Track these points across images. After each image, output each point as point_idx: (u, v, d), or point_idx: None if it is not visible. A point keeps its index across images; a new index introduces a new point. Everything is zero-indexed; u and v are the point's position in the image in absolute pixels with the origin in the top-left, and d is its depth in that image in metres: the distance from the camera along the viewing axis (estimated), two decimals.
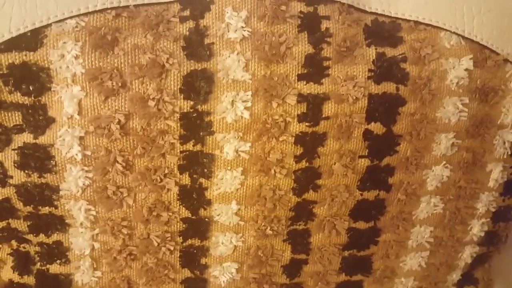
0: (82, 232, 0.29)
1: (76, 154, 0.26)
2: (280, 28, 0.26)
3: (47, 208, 0.28)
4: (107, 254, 0.30)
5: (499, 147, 0.31)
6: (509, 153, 0.32)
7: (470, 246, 0.35)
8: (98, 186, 0.27)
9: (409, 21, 0.28)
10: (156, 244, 0.29)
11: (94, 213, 0.28)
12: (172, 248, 0.30)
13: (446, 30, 0.28)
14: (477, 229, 0.34)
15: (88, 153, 0.27)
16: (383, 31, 0.28)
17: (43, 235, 0.29)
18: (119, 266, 0.30)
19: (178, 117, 0.26)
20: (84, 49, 0.25)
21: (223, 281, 0.31)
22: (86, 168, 0.27)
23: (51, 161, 0.27)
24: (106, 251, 0.30)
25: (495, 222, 0.35)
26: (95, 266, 0.30)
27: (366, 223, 0.31)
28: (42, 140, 0.26)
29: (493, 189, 0.33)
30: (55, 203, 0.28)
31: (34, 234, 0.29)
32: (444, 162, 0.30)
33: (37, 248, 0.30)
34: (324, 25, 0.27)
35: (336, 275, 0.33)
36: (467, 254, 0.36)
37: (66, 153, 0.26)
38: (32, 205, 0.28)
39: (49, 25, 0.25)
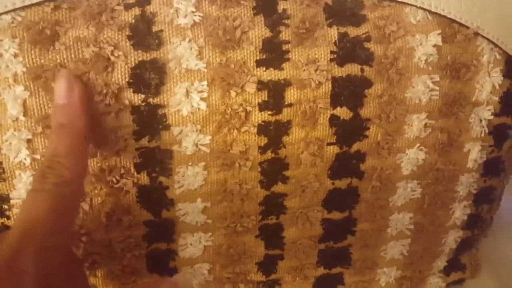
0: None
1: (25, 159, 0.25)
2: (234, 11, 0.25)
3: None
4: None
5: (476, 126, 0.30)
6: (487, 131, 0.30)
7: (454, 230, 0.34)
8: None
9: None
10: (119, 250, 0.27)
11: None
12: (137, 254, 0.28)
13: (411, 5, 0.27)
14: (459, 212, 0.33)
15: (37, 156, 0.25)
16: (344, 9, 0.26)
17: None
18: None
19: (129, 111, 0.24)
20: (22, 46, 0.23)
21: (195, 284, 0.30)
22: None
23: None
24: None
25: (478, 205, 0.34)
26: None
27: (341, 213, 0.30)
28: None
29: (473, 170, 0.31)
30: (7, 213, 0.26)
31: None
32: (418, 144, 0.29)
33: None
34: (281, 6, 0.25)
35: (314, 269, 0.32)
36: (451, 239, 0.34)
37: (14, 158, 0.25)
38: None
39: None
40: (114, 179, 0.25)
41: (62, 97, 0.23)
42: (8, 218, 0.26)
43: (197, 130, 0.25)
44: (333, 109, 0.26)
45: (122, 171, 0.25)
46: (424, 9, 0.27)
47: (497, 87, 0.29)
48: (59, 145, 0.22)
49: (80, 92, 0.23)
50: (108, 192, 0.26)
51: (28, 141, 0.25)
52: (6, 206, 0.26)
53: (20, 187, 0.25)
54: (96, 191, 0.26)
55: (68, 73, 0.23)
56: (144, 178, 0.26)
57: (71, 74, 0.23)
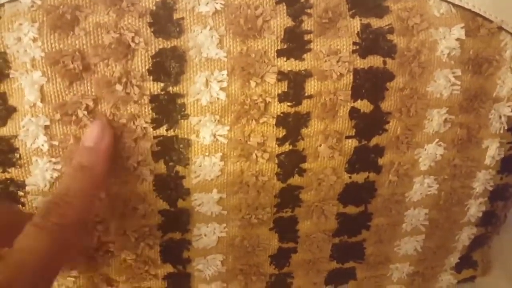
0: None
1: (42, 145, 0.24)
2: None
3: None
4: (83, 252, 0.28)
5: (495, 122, 0.29)
6: (506, 127, 0.30)
7: (468, 227, 0.34)
8: None
9: None
10: (133, 239, 0.27)
11: None
12: (151, 243, 0.28)
13: None
14: (474, 209, 0.32)
15: (55, 143, 0.25)
16: (367, 0, 0.26)
17: None
18: (96, 265, 0.28)
19: (148, 100, 0.24)
20: (42, 30, 0.23)
21: (208, 275, 0.30)
22: (53, 160, 0.25)
23: (15, 154, 0.25)
24: (82, 250, 0.28)
25: (493, 202, 0.33)
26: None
27: (357, 207, 0.29)
28: (4, 131, 0.24)
29: (490, 166, 0.31)
30: (22, 200, 0.26)
31: None
32: (437, 139, 0.28)
33: None
34: None
35: (327, 263, 0.31)
36: (464, 236, 0.34)
37: (31, 144, 0.25)
38: None
39: (2, 5, 0.23)
40: (131, 167, 0.25)
41: (91, 141, 0.24)
42: (23, 205, 0.26)
43: (215, 120, 0.25)
44: (353, 102, 0.26)
45: (140, 158, 0.25)
46: (448, 2, 0.26)
47: None
48: (74, 184, 0.23)
49: (109, 141, 0.24)
50: (125, 180, 0.25)
51: (46, 127, 0.24)
52: (21, 193, 0.26)
53: (37, 173, 0.25)
54: (113, 179, 0.25)
55: (103, 120, 0.24)
56: (161, 167, 0.26)
57: (106, 121, 0.24)
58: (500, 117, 0.29)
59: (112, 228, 0.27)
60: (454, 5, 0.27)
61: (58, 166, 0.25)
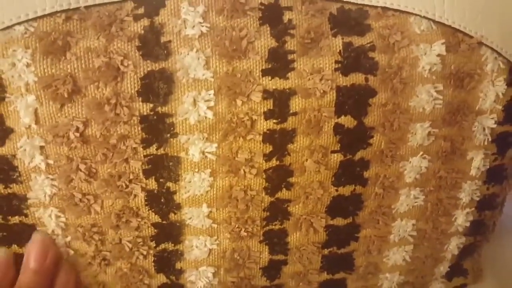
0: (55, 240, 0.28)
1: (40, 163, 0.26)
2: (240, 22, 0.25)
3: (17, 217, 0.28)
4: (83, 259, 0.29)
5: (479, 134, 0.30)
6: (490, 139, 0.30)
7: (456, 237, 0.34)
8: (64, 194, 0.27)
9: (376, 7, 0.27)
10: (128, 249, 0.28)
11: (64, 219, 0.28)
12: (145, 253, 0.29)
13: (416, 14, 0.27)
14: (461, 219, 0.33)
15: (51, 162, 0.26)
16: (349, 19, 0.27)
17: (16, 246, 0.28)
18: (93, 272, 0.29)
19: (138, 121, 0.25)
20: (35, 56, 0.24)
21: (200, 286, 0.31)
22: (51, 177, 0.26)
23: (15, 172, 0.26)
24: (81, 256, 0.29)
25: (481, 211, 0.34)
26: None
27: (344, 219, 0.30)
28: (3, 151, 0.26)
29: (476, 177, 0.32)
30: (25, 211, 0.27)
31: (7, 246, 0.28)
32: (421, 152, 0.29)
33: None
34: (287, 16, 0.26)
35: (317, 274, 0.32)
36: (453, 246, 0.34)
37: (29, 163, 0.26)
38: (1, 216, 0.27)
39: None
40: (123, 184, 0.26)
41: (34, 262, 0.27)
42: (26, 216, 0.27)
43: (203, 138, 0.26)
44: (337, 118, 0.27)
45: (131, 176, 0.26)
46: (428, 19, 0.27)
47: (501, 96, 0.29)
48: None
49: (53, 260, 0.28)
50: (117, 195, 0.27)
51: (41, 147, 0.26)
52: (23, 206, 0.27)
53: (37, 189, 0.26)
54: (106, 194, 0.27)
55: (66, 264, 0.28)
56: (152, 183, 0.27)
57: (68, 265, 0.29)
58: (484, 129, 0.30)
59: (108, 237, 0.28)
60: (434, 21, 0.27)
61: (56, 182, 0.26)
